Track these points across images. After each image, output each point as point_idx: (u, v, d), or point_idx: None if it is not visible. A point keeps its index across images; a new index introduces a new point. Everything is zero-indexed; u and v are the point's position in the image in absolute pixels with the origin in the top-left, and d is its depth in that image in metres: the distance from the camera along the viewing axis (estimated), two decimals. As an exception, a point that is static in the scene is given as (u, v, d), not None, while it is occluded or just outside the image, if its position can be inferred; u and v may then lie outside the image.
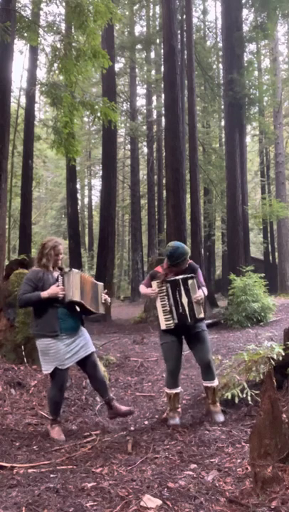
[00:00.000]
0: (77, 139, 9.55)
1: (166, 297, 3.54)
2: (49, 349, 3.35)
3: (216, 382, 3.57)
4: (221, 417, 3.46)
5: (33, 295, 3.32)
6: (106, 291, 3.66)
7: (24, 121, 15.56)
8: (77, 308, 3.48)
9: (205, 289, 3.63)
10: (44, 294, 3.30)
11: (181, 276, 3.52)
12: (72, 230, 18.37)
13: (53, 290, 3.31)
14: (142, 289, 3.76)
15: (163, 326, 3.56)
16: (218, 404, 3.54)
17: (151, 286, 3.64)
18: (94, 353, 3.59)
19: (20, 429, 3.57)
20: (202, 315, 3.52)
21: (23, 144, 15.65)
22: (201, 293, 3.51)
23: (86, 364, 3.54)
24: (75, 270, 3.44)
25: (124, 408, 3.69)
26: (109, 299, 3.67)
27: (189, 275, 3.53)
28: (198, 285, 3.52)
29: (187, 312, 3.48)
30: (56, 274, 3.44)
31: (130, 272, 25.96)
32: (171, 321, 3.52)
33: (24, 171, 15.05)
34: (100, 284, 3.63)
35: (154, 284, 3.59)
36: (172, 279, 3.54)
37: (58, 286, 3.34)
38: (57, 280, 3.38)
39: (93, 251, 28.63)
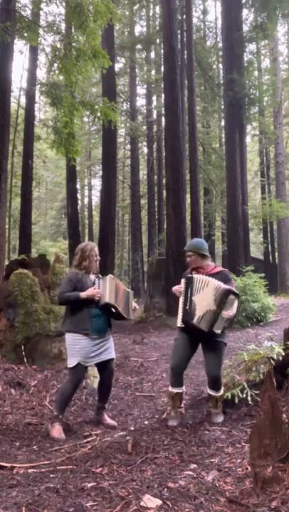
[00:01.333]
0: (77, 139, 9.55)
1: (184, 294, 3.50)
2: (76, 344, 3.51)
3: (220, 393, 3.55)
4: (220, 418, 3.46)
5: (72, 294, 3.53)
6: (136, 299, 3.88)
7: (24, 121, 15.56)
8: (113, 310, 3.64)
9: (234, 311, 3.46)
10: (83, 294, 3.52)
11: (220, 283, 3.37)
12: (72, 230, 18.36)
13: (90, 292, 3.53)
14: (174, 288, 3.69)
15: (178, 323, 3.56)
16: (219, 407, 3.54)
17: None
18: (113, 360, 3.76)
19: (20, 429, 3.57)
20: (219, 331, 3.37)
21: (23, 144, 15.65)
22: (234, 311, 3.39)
23: (104, 368, 3.70)
24: (111, 276, 3.69)
25: (110, 422, 3.73)
26: (138, 307, 3.88)
27: (235, 290, 3.43)
28: (236, 303, 3.43)
29: (197, 313, 3.35)
30: (93, 277, 3.67)
31: (130, 272, 25.94)
32: (181, 319, 3.51)
33: (24, 171, 15.05)
34: (131, 292, 3.86)
35: (181, 281, 3.58)
36: (189, 275, 3.52)
37: (95, 288, 3.56)
38: (94, 283, 3.61)
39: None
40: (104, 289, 3.57)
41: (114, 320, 3.77)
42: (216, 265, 3.74)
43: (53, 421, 3.47)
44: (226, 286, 3.37)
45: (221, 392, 3.55)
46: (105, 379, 3.74)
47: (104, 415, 3.78)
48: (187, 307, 3.45)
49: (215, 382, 3.51)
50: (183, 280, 3.56)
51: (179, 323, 3.54)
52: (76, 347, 3.50)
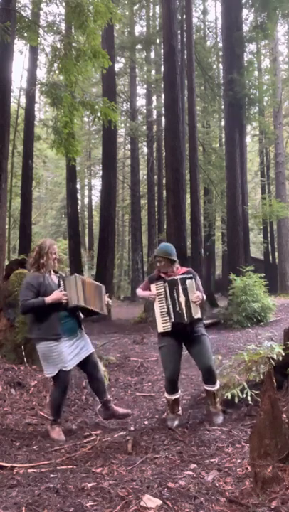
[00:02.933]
0: (77, 139, 9.55)
1: (164, 298, 3.52)
2: (52, 352, 3.35)
3: (217, 386, 3.54)
4: (220, 418, 3.45)
5: (36, 301, 3.32)
6: (108, 293, 3.72)
7: (24, 121, 15.56)
8: (80, 313, 3.55)
9: (203, 295, 3.61)
10: (48, 299, 3.31)
11: (179, 276, 3.55)
12: (72, 230, 18.37)
13: (56, 295, 3.34)
14: (139, 291, 3.75)
15: (160, 329, 3.52)
16: (218, 405, 3.53)
17: (149, 289, 3.64)
18: (94, 353, 3.63)
19: (20, 429, 3.57)
20: (198, 315, 3.49)
21: (23, 144, 15.64)
22: (199, 294, 3.50)
23: (87, 364, 3.56)
24: (75, 275, 3.51)
25: (121, 410, 3.69)
26: (110, 301, 3.73)
27: (188, 275, 3.54)
28: (196, 286, 3.53)
29: (184, 311, 3.45)
30: (55, 278, 3.49)
31: (130, 272, 25.95)
32: (168, 323, 3.48)
33: (24, 171, 15.05)
34: (103, 286, 3.71)
35: (154, 286, 3.59)
36: (170, 278, 3.56)
37: (60, 291, 3.37)
38: (59, 285, 3.42)
39: (93, 251, 28.60)
40: (70, 290, 3.37)
41: (89, 316, 3.67)
42: (181, 267, 3.77)
43: (52, 424, 3.46)
44: (180, 276, 3.54)
45: (217, 385, 3.54)
46: (92, 373, 3.59)
47: (113, 407, 3.66)
48: (177, 309, 3.46)
49: (209, 374, 3.49)
50: (157, 284, 3.56)
51: (164, 328, 3.50)
52: (53, 354, 3.34)
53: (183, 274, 3.62)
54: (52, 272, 3.55)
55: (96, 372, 3.59)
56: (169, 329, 3.49)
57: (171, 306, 3.48)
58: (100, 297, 3.61)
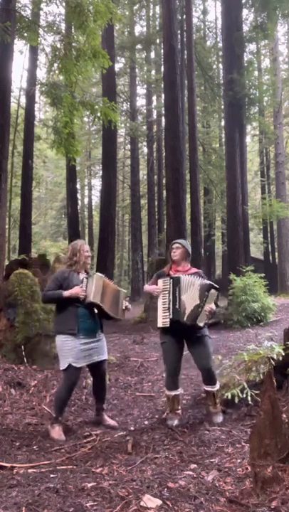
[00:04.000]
0: (77, 139, 9.54)
1: (167, 294, 3.53)
2: (64, 346, 3.45)
3: (216, 387, 3.55)
4: (219, 418, 3.46)
5: (55, 292, 3.49)
6: (128, 298, 3.77)
7: (24, 121, 15.55)
8: (95, 310, 3.57)
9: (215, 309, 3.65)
10: (66, 293, 3.46)
11: (208, 281, 3.53)
12: (72, 230, 18.36)
13: (75, 290, 3.46)
14: (146, 287, 3.80)
15: (159, 324, 3.56)
16: (218, 406, 3.54)
17: (156, 284, 3.66)
18: (105, 361, 3.70)
19: (20, 429, 3.57)
20: (202, 324, 3.47)
21: (23, 144, 15.64)
22: (213, 308, 3.51)
23: (96, 369, 3.66)
24: (99, 274, 3.59)
25: (110, 421, 3.71)
26: (130, 306, 3.76)
27: (215, 285, 3.53)
28: (216, 299, 3.53)
29: (187, 311, 3.44)
30: (82, 276, 3.58)
31: (130, 272, 25.94)
32: (168, 318, 3.50)
33: (24, 171, 15.04)
34: (123, 291, 3.75)
35: (160, 281, 3.62)
36: (176, 276, 3.57)
37: (81, 287, 3.48)
38: (81, 282, 3.53)
39: (93, 251, 28.64)
40: (90, 287, 3.46)
41: (106, 320, 3.71)
42: (192, 267, 3.79)
43: (53, 422, 3.47)
44: (209, 282, 3.54)
45: (217, 386, 3.55)
46: (98, 380, 3.70)
47: (104, 416, 3.76)
48: (177, 306, 3.47)
49: (209, 375, 3.51)
50: (164, 280, 3.59)
51: (162, 324, 3.53)
52: (65, 348, 3.44)
53: (193, 274, 3.61)
54: (83, 271, 3.66)
55: (102, 380, 3.69)
56: (168, 325, 3.50)
57: (171, 303, 3.49)
58: (117, 301, 3.66)
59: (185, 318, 3.45)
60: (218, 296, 3.59)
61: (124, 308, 3.69)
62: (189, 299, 3.46)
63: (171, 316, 3.48)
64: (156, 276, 3.77)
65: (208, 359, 3.51)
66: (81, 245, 3.68)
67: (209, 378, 3.53)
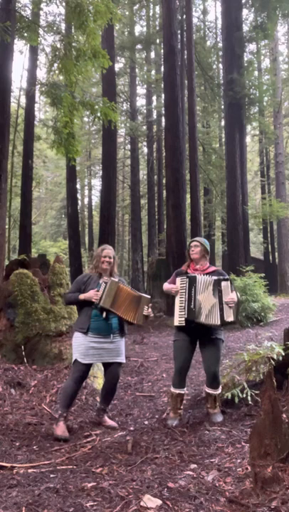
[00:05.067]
0: (77, 139, 9.51)
1: (184, 293, 3.53)
2: (75, 342, 3.62)
3: (218, 391, 3.56)
4: (219, 417, 3.46)
5: (73, 295, 3.69)
6: (151, 304, 3.74)
7: (24, 121, 15.54)
8: (103, 314, 3.60)
9: (238, 294, 3.61)
10: (81, 296, 3.63)
11: (214, 277, 3.53)
12: (72, 230, 18.35)
13: (89, 294, 3.60)
14: (165, 285, 3.77)
15: (175, 322, 3.57)
16: (218, 408, 3.55)
17: (175, 283, 3.66)
18: (120, 365, 3.73)
19: (20, 429, 3.57)
20: (231, 318, 3.45)
21: (23, 144, 15.63)
22: (234, 296, 3.48)
23: (108, 371, 3.71)
24: (115, 280, 3.64)
25: (111, 423, 3.73)
26: (151, 313, 3.74)
27: (223, 277, 3.53)
28: (232, 288, 3.51)
29: (200, 310, 3.45)
30: (102, 280, 3.67)
31: (130, 272, 25.94)
32: (183, 318, 3.50)
33: (24, 171, 15.03)
34: (145, 297, 3.71)
35: (178, 280, 3.62)
36: (192, 274, 3.56)
37: (97, 291, 3.58)
38: (97, 286, 3.62)
39: (93, 251, 28.61)
40: (104, 292, 3.56)
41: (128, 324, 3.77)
42: (211, 265, 3.79)
43: (58, 419, 3.49)
44: (215, 277, 3.53)
45: (219, 390, 3.56)
46: (107, 382, 3.73)
47: (105, 417, 3.77)
48: (192, 306, 3.47)
49: (213, 379, 3.52)
50: (181, 279, 3.59)
51: (178, 322, 3.54)
52: (75, 344, 3.61)
53: (211, 273, 3.61)
54: (108, 275, 3.73)
55: (111, 383, 3.72)
56: (183, 324, 3.51)
57: (187, 302, 3.49)
58: (134, 307, 3.64)
59: (201, 319, 3.45)
60: (233, 285, 3.54)
61: (144, 313, 3.66)
62: (205, 299, 3.47)
63: (186, 316, 3.48)
64: (174, 274, 3.76)
65: (216, 363, 3.52)
66: (101, 250, 3.78)
67: (213, 381, 3.54)
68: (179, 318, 3.54)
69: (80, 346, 3.56)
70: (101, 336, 3.58)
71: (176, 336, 3.66)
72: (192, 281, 3.51)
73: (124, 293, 3.64)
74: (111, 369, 3.68)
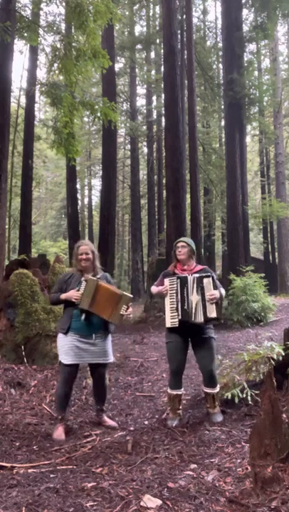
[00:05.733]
0: (77, 139, 9.51)
1: (174, 294, 3.50)
2: (58, 343, 3.60)
3: (216, 389, 3.55)
4: (219, 417, 3.46)
5: (55, 295, 3.64)
6: (130, 303, 3.60)
7: (24, 121, 15.55)
8: (82, 317, 3.52)
9: (223, 290, 3.59)
10: (62, 296, 3.57)
11: (196, 274, 3.52)
12: (72, 230, 18.35)
13: (69, 294, 3.53)
14: (154, 288, 3.72)
15: (168, 324, 3.54)
16: (217, 408, 3.54)
17: (163, 284, 3.63)
18: (105, 366, 3.67)
19: (20, 429, 3.57)
20: (214, 314, 3.43)
21: (23, 144, 15.64)
22: (216, 292, 3.46)
23: (93, 371, 3.69)
24: (93, 278, 3.51)
25: (110, 423, 3.69)
26: (130, 311, 3.59)
27: (205, 274, 3.51)
28: (214, 285, 3.48)
29: (193, 310, 3.42)
30: (83, 278, 3.58)
31: (130, 272, 25.95)
32: (176, 319, 3.48)
33: (24, 171, 15.04)
34: (126, 295, 3.55)
35: (167, 281, 3.59)
36: (183, 275, 3.55)
37: (77, 290, 3.51)
38: (78, 285, 3.55)
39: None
40: (84, 291, 3.46)
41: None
42: (197, 264, 3.76)
43: (56, 422, 3.50)
44: (197, 275, 3.51)
45: (217, 389, 3.55)
46: (95, 382, 3.71)
47: (104, 417, 3.76)
48: (186, 307, 3.44)
49: (210, 378, 3.51)
50: (170, 279, 3.56)
51: (171, 324, 3.51)
52: (58, 345, 3.59)
53: (199, 271, 3.60)
54: (91, 273, 3.62)
55: (98, 383, 3.69)
56: (176, 325, 3.49)
57: (180, 303, 3.47)
58: (112, 305, 3.50)
59: (194, 319, 3.43)
60: (215, 280, 3.51)
61: (121, 313, 3.51)
62: (194, 298, 3.46)
63: (180, 317, 3.46)
64: (162, 276, 3.73)
65: (211, 361, 3.51)
66: (77, 248, 3.66)
67: (210, 380, 3.53)
68: (171, 320, 3.51)
69: (63, 347, 3.51)
70: (82, 336, 3.51)
71: (168, 338, 3.62)
72: (183, 282, 3.49)
73: (104, 291, 3.50)
74: (96, 370, 3.64)
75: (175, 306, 3.49)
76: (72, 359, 3.47)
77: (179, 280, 3.51)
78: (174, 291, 3.51)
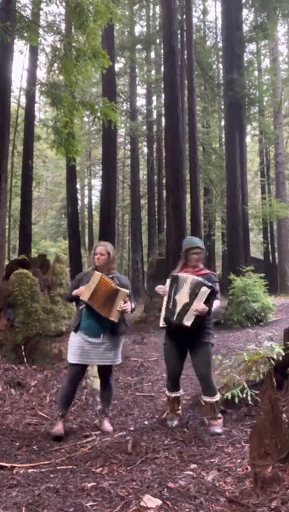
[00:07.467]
0: (77, 139, 9.50)
1: (167, 294, 3.48)
2: (70, 340, 3.61)
3: (216, 398, 3.37)
4: (218, 429, 3.24)
5: (68, 292, 3.80)
6: (127, 299, 3.55)
7: (24, 121, 15.54)
8: (81, 306, 3.55)
9: (217, 303, 3.44)
10: (74, 292, 3.61)
11: (199, 278, 3.37)
12: (72, 230, 18.35)
13: (78, 290, 3.56)
14: (158, 287, 3.64)
15: (160, 323, 3.53)
16: (218, 419, 3.33)
17: None
18: (110, 367, 3.66)
19: (20, 429, 3.57)
20: (188, 323, 3.26)
21: (23, 144, 15.63)
22: (203, 307, 3.26)
23: (100, 372, 3.69)
24: (98, 273, 3.51)
25: (106, 426, 3.60)
26: (127, 308, 3.53)
27: (208, 283, 3.32)
28: (207, 298, 3.29)
29: (177, 310, 3.34)
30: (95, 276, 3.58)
31: (130, 272, 25.93)
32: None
33: (24, 171, 15.03)
34: (123, 291, 3.51)
35: (167, 281, 3.55)
36: (175, 274, 3.49)
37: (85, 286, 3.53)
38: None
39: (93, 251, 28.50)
40: (87, 286, 3.46)
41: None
42: (204, 268, 3.65)
43: (56, 418, 3.50)
44: (200, 279, 3.35)
45: (216, 398, 3.38)
46: (102, 383, 3.71)
47: (103, 419, 3.64)
48: (170, 306, 3.41)
49: (206, 385, 3.38)
50: (168, 279, 3.54)
51: (161, 323, 3.51)
52: (69, 343, 3.61)
53: (203, 275, 3.46)
54: (106, 272, 3.61)
55: (104, 384, 3.69)
56: (165, 325, 3.46)
57: (166, 303, 3.45)
58: (111, 302, 3.46)
59: (174, 318, 3.36)
60: (214, 295, 3.34)
61: (118, 309, 3.45)
62: (181, 298, 3.34)
63: (163, 315, 3.45)
64: (170, 275, 3.67)
65: (206, 368, 3.36)
66: (95, 247, 3.77)
67: (206, 387, 3.38)
68: (161, 320, 3.51)
69: (71, 346, 3.54)
70: (91, 336, 3.48)
71: (164, 340, 3.59)
72: (174, 281, 3.44)
73: (103, 285, 3.45)
74: (104, 371, 3.65)
75: (165, 305, 3.46)
76: (78, 359, 3.46)
77: (171, 278, 3.48)
78: (168, 291, 3.48)
